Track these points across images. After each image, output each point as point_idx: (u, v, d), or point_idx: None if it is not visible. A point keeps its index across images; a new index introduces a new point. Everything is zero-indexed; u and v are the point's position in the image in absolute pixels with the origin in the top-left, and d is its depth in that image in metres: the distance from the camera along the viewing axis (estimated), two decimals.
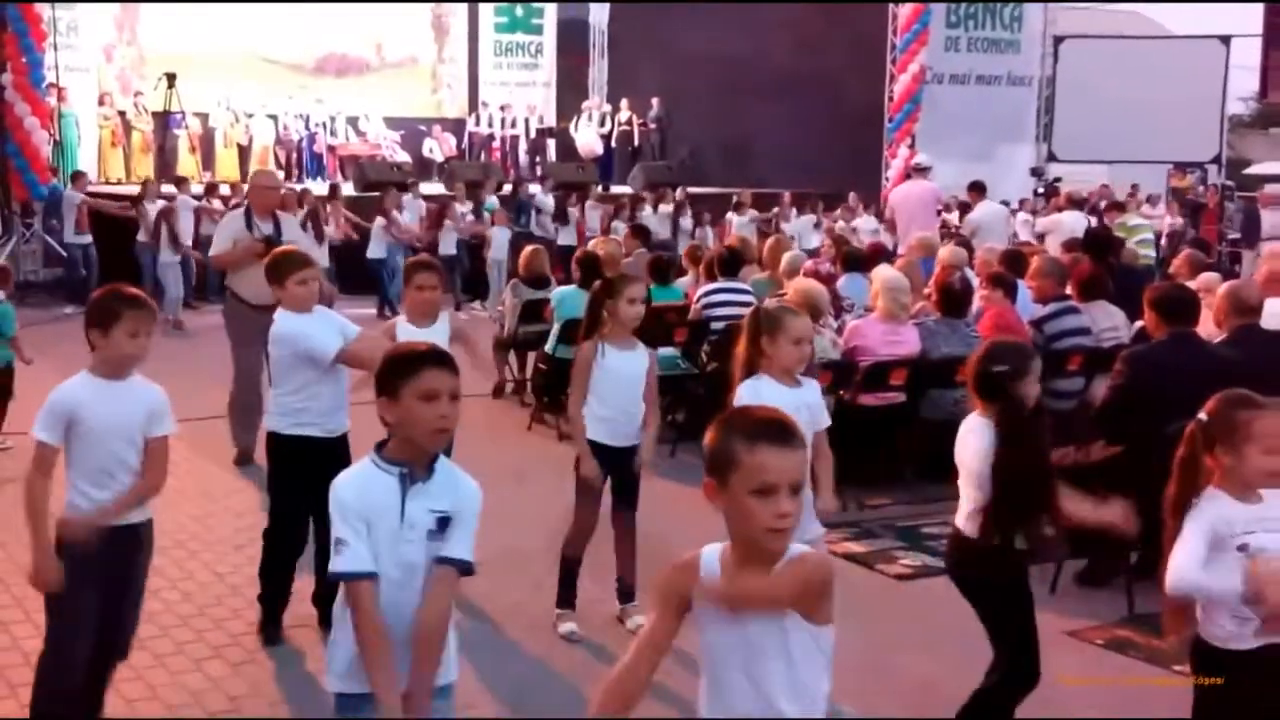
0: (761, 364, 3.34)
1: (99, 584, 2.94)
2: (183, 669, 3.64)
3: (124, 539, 2.96)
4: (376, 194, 13.27)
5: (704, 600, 1.79)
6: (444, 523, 2.18)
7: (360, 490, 2.17)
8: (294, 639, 3.84)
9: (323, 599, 3.75)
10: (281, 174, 16.60)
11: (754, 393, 3.25)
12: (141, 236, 11.38)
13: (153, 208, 11.39)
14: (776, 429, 1.78)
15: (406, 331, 4.09)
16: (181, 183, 12.54)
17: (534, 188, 14.93)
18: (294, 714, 3.39)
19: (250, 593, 4.00)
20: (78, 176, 12.36)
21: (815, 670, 1.79)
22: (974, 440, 2.92)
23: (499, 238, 12.20)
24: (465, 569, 2.19)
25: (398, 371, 2.17)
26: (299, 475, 3.68)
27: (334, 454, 3.67)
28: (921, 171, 11.16)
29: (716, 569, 1.82)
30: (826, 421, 3.48)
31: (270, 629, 3.82)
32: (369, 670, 2.11)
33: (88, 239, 11.79)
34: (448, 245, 12.04)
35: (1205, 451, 2.57)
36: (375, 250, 11.72)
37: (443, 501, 2.19)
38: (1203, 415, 2.63)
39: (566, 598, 3.97)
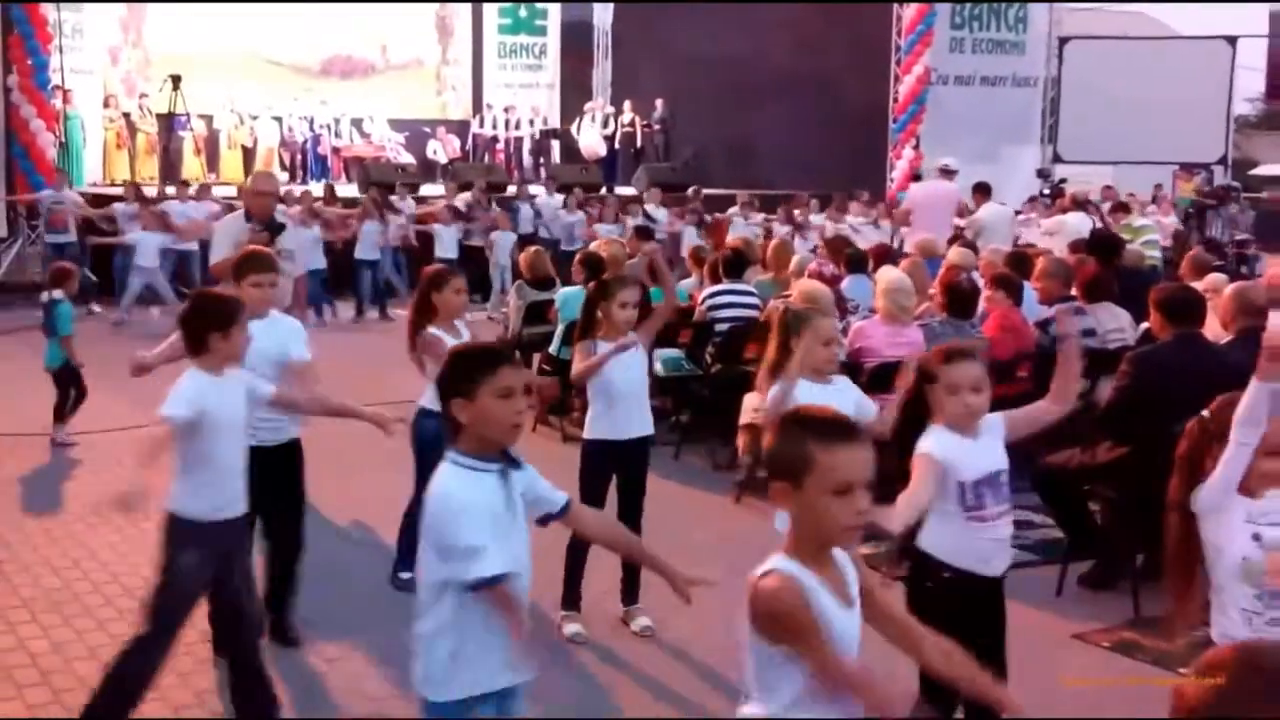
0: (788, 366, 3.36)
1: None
2: (189, 669, 3.64)
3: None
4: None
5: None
6: (528, 501, 2.28)
7: (473, 492, 2.16)
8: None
9: (274, 605, 3.77)
10: (286, 175, 16.68)
11: (788, 394, 3.26)
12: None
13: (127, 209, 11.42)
14: (848, 427, 1.80)
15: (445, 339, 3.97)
16: (204, 189, 12.56)
17: (534, 189, 14.93)
18: (301, 714, 3.39)
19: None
20: (57, 175, 12.25)
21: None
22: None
23: (502, 241, 12.19)
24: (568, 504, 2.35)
25: (474, 371, 2.18)
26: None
27: (281, 461, 3.67)
28: (949, 174, 11.12)
29: (814, 580, 1.79)
30: (873, 408, 3.53)
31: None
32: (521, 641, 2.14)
33: (68, 238, 11.67)
34: (447, 249, 12.08)
35: (1207, 449, 2.56)
36: (366, 251, 11.79)
37: (521, 483, 2.26)
38: (1205, 413, 2.63)
39: (571, 599, 3.97)
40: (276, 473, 3.65)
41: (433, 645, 2.20)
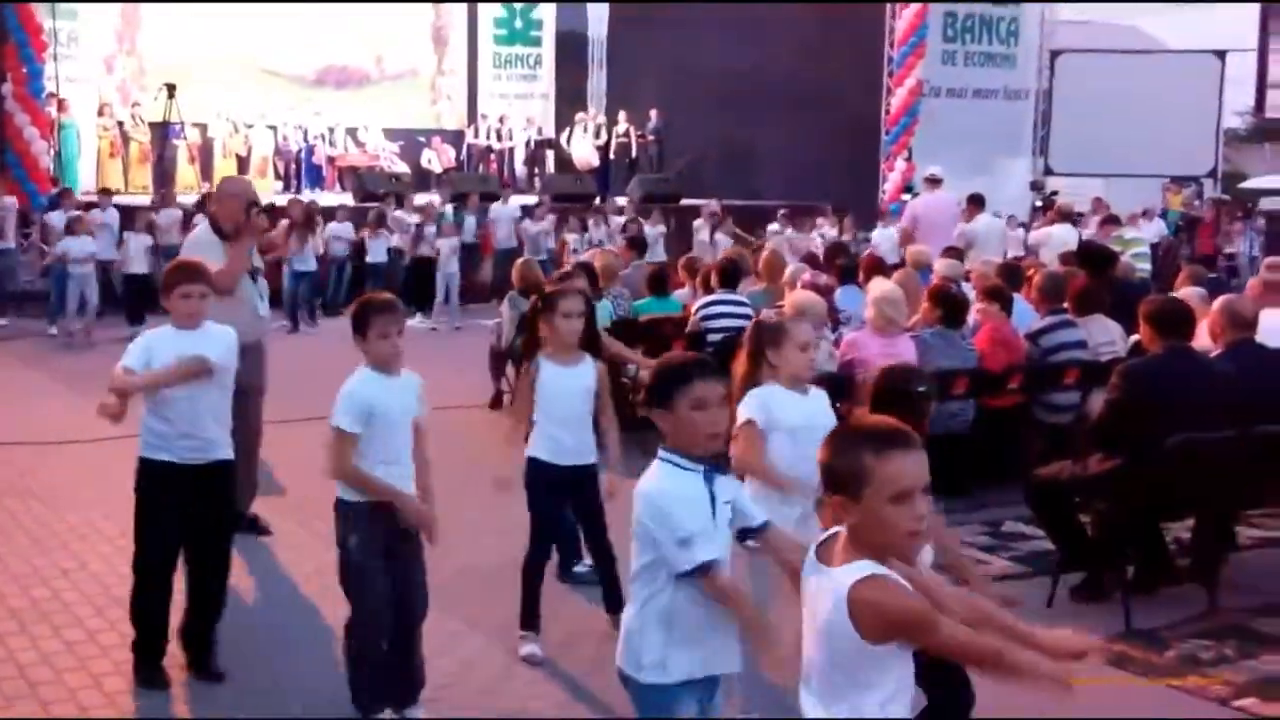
0: (767, 376, 3.30)
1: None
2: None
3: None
4: (375, 205, 13.33)
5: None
6: (732, 510, 2.37)
7: (683, 487, 2.30)
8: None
9: (195, 637, 3.61)
10: (280, 184, 16.69)
11: (764, 401, 3.23)
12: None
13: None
14: (900, 435, 1.84)
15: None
16: (105, 194, 12.47)
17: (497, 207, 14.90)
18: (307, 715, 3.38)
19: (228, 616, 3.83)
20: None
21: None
22: None
23: (444, 249, 12.15)
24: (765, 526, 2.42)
25: (670, 384, 2.33)
26: (164, 504, 3.45)
27: (205, 481, 3.49)
28: (936, 183, 11.18)
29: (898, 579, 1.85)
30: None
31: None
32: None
33: (6, 244, 11.65)
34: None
35: None
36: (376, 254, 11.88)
37: (727, 490, 2.37)
38: None
39: (529, 619, 3.85)
40: (194, 495, 3.49)
41: (646, 631, 2.33)
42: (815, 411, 3.25)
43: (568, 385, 3.77)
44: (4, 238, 11.59)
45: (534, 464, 3.83)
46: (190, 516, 3.52)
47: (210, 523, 3.57)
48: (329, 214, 12.92)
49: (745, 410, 3.21)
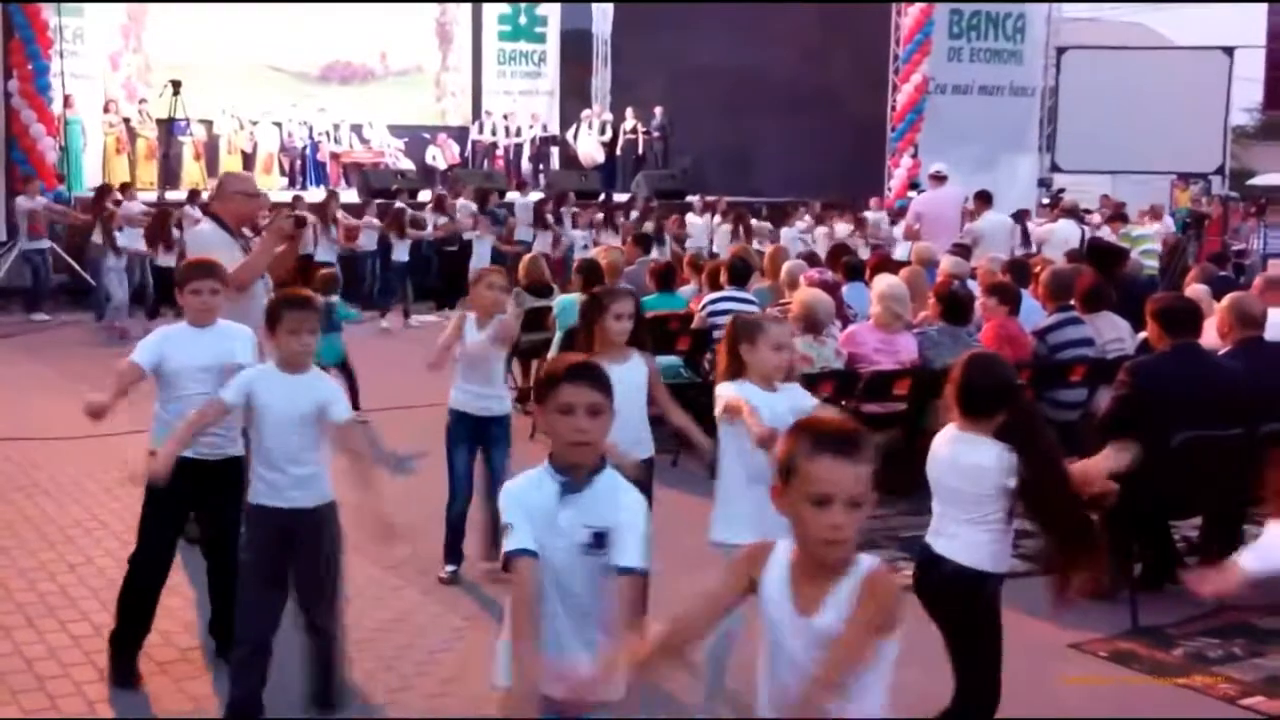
0: (744, 372, 3.35)
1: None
2: (185, 675, 3.63)
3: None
4: (380, 201, 13.34)
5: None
6: (601, 537, 2.19)
7: (524, 491, 2.25)
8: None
9: (222, 628, 3.60)
10: (285, 181, 16.71)
11: (737, 392, 3.27)
12: (96, 239, 11.38)
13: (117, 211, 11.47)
14: (844, 440, 1.80)
15: (471, 329, 4.37)
16: (126, 188, 12.57)
17: (512, 195, 15.00)
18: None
19: None
20: (28, 182, 12.23)
21: (874, 676, 1.83)
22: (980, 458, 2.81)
23: (480, 247, 12.18)
24: (639, 573, 2.18)
25: (542, 385, 2.27)
26: (171, 498, 3.38)
27: (218, 478, 3.48)
28: (941, 179, 11.19)
29: (784, 565, 1.87)
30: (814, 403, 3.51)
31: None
32: (513, 640, 2.17)
33: (44, 244, 11.77)
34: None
35: None
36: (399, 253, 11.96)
37: (601, 516, 2.19)
38: None
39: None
40: (211, 491, 3.50)
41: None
42: (783, 409, 3.20)
43: (620, 383, 3.77)
44: (35, 235, 11.65)
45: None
46: (206, 511, 3.55)
47: (228, 517, 3.57)
48: (357, 211, 12.92)
49: (717, 398, 3.29)
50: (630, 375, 3.79)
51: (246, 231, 4.64)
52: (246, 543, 3.23)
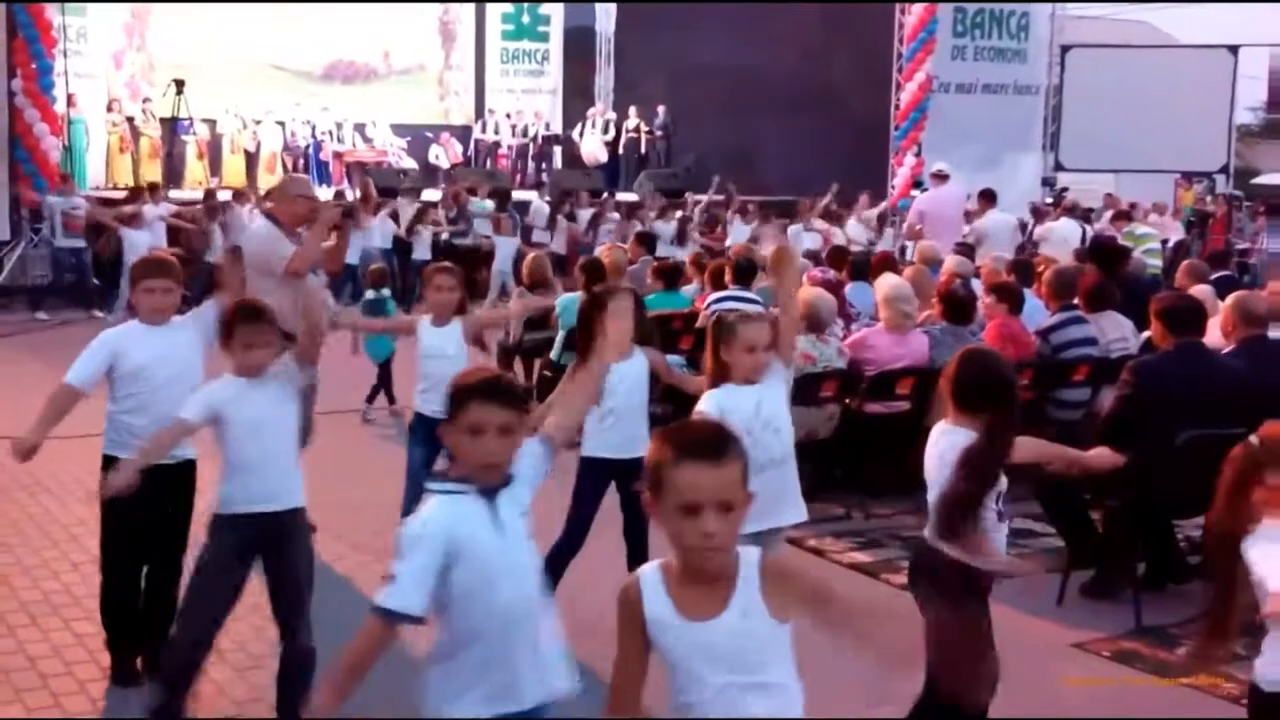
0: (728, 373, 3.41)
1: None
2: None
3: None
4: (382, 200, 13.34)
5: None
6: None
7: (446, 525, 2.09)
8: None
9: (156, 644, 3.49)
10: None
11: (718, 403, 3.31)
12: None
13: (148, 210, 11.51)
14: (705, 445, 1.76)
15: (426, 330, 4.38)
16: (154, 190, 12.57)
17: (528, 195, 15.04)
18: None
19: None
20: (64, 180, 12.34)
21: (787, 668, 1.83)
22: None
23: (504, 248, 12.19)
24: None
25: (452, 399, 2.14)
26: (132, 502, 3.19)
27: (176, 481, 3.44)
28: (943, 178, 11.18)
29: (660, 587, 1.82)
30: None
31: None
32: (337, 673, 2.05)
33: (79, 243, 11.79)
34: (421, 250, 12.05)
35: (1255, 477, 2.43)
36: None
37: (524, 496, 2.18)
38: (1254, 439, 2.49)
39: None
40: (162, 497, 3.44)
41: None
42: (734, 405, 3.25)
43: (622, 377, 3.78)
44: (72, 232, 11.66)
45: (588, 460, 3.86)
46: (155, 516, 3.46)
47: (175, 522, 3.51)
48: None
49: (698, 409, 3.34)
50: (631, 370, 3.82)
51: (301, 231, 4.69)
52: (215, 553, 3.07)
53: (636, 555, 3.93)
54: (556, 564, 3.85)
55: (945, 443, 2.84)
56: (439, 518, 2.10)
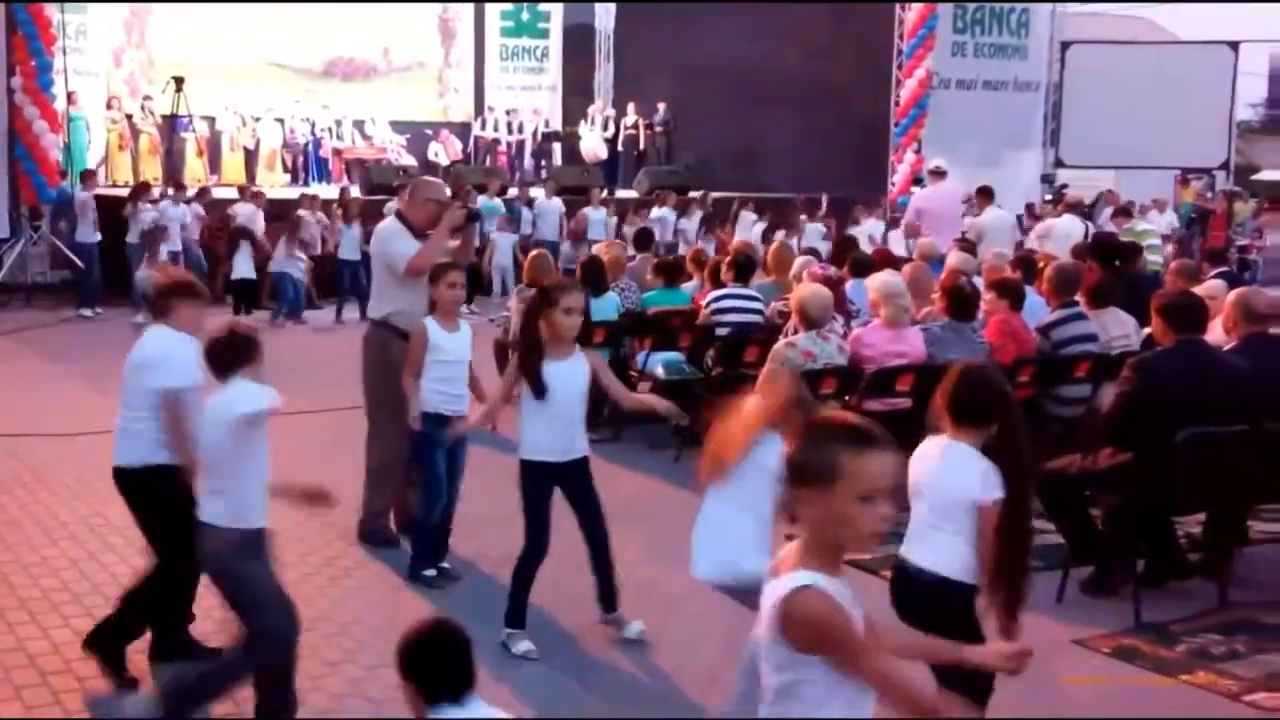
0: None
1: None
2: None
3: None
4: (382, 197, 13.32)
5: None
6: None
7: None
8: None
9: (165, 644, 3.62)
10: (288, 177, 16.71)
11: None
12: (131, 238, 11.43)
13: (146, 209, 11.53)
14: (877, 436, 1.84)
15: (435, 332, 4.35)
16: (179, 189, 12.58)
17: (535, 191, 15.01)
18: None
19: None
20: (88, 176, 12.40)
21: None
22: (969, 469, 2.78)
23: (502, 243, 12.18)
24: None
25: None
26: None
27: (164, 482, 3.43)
28: (941, 175, 11.17)
29: (831, 585, 1.83)
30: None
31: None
32: None
33: (96, 238, 11.81)
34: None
35: None
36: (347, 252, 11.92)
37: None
38: None
39: (516, 617, 3.86)
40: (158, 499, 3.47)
41: None
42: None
43: (566, 380, 3.76)
44: (96, 230, 11.73)
45: (528, 464, 3.81)
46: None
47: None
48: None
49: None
50: (571, 372, 3.78)
51: (429, 232, 4.82)
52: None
53: (598, 545, 3.91)
54: (526, 573, 3.83)
55: (954, 456, 2.81)
56: None
